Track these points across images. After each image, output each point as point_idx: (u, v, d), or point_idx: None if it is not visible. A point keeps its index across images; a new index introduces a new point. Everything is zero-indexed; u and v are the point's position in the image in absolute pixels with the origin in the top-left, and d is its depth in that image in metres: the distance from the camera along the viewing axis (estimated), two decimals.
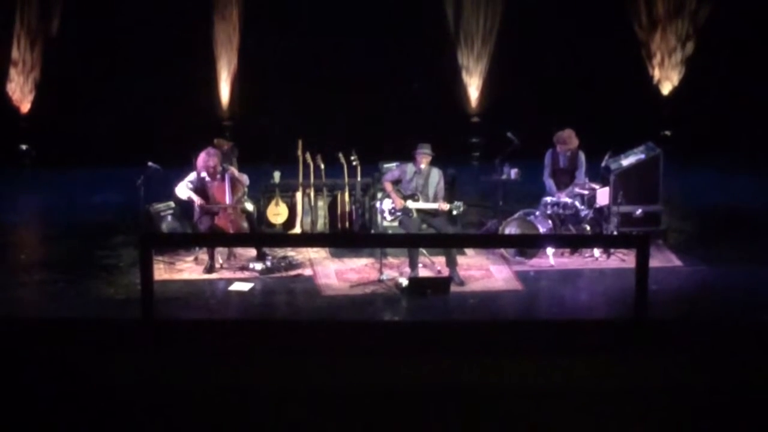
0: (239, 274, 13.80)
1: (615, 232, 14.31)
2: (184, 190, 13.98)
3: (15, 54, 18.17)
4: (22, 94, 18.32)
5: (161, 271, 13.66)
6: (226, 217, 13.89)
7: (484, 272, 13.95)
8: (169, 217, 14.77)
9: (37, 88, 18.30)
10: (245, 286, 13.46)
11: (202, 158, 13.99)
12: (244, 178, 14.20)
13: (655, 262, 13.18)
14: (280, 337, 9.53)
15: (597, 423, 7.68)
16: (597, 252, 14.30)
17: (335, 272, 13.96)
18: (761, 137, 18.51)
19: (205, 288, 13.52)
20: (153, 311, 9.82)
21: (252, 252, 14.15)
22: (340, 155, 15.05)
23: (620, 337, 9.50)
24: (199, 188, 13.97)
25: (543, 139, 14.93)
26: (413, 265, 13.63)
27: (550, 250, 14.08)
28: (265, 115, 18.56)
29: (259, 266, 13.84)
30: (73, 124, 18.18)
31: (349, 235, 14.74)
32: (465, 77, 18.90)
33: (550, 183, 14.68)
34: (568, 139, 14.61)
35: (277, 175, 15.14)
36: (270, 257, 14.05)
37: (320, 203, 15.16)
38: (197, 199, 13.89)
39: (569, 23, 18.77)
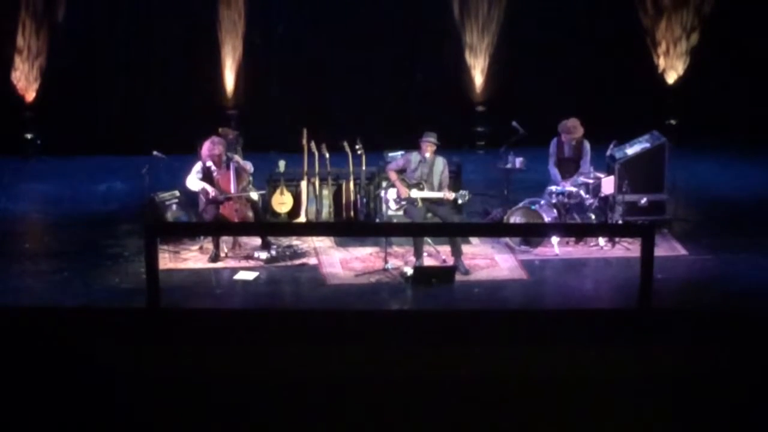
0: (244, 263, 13.81)
1: (620, 221, 14.30)
2: (195, 182, 13.96)
3: (20, 41, 18.12)
4: (27, 82, 18.29)
5: (166, 260, 13.67)
6: (231, 206, 13.89)
7: (489, 261, 13.96)
8: (174, 206, 14.77)
9: (43, 76, 18.27)
10: (250, 275, 13.48)
11: (206, 147, 13.99)
12: (249, 166, 14.20)
13: (660, 251, 13.19)
14: (284, 326, 9.53)
15: (601, 412, 7.69)
16: (602, 241, 14.30)
17: (340, 261, 13.97)
18: (766, 127, 18.47)
19: (210, 277, 13.54)
20: (158, 300, 9.82)
21: (257, 241, 14.16)
22: (345, 144, 15.05)
23: (625, 327, 9.49)
24: (206, 177, 13.97)
25: (548, 128, 14.93)
26: (418, 254, 13.64)
27: (555, 239, 14.08)
28: (269, 103, 18.54)
29: (264, 255, 13.85)
30: (79, 112, 18.17)
31: (354, 224, 14.74)
32: (469, 58, 18.85)
33: (554, 172, 14.67)
34: (573, 128, 14.60)
35: (282, 164, 15.14)
36: (275, 246, 14.06)
37: (325, 192, 15.16)
38: (212, 190, 13.87)
39: (573, 11, 18.74)
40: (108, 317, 9.83)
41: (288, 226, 14.89)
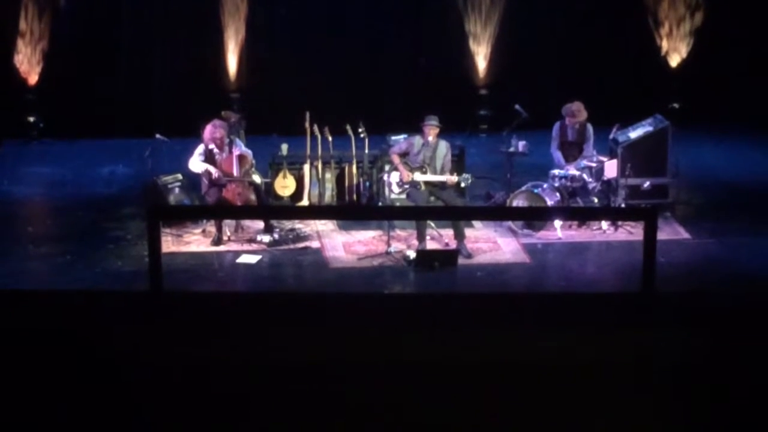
0: (247, 247, 13.82)
1: (623, 205, 14.30)
2: (197, 164, 13.95)
3: (22, 25, 18.09)
4: (29, 65, 18.27)
5: (169, 244, 13.67)
6: (234, 190, 13.88)
7: (492, 245, 13.96)
8: (177, 189, 14.76)
9: (45, 59, 18.25)
10: (253, 259, 13.49)
11: (208, 130, 13.97)
12: (249, 155, 14.16)
13: (662, 234, 13.20)
14: (287, 309, 9.53)
15: (603, 396, 7.69)
16: (605, 225, 14.29)
17: (343, 245, 13.97)
18: None
19: (213, 260, 13.55)
20: (161, 283, 9.82)
21: (260, 224, 14.16)
22: (348, 127, 15.03)
23: (627, 310, 9.49)
24: (208, 160, 13.96)
25: (551, 112, 14.91)
26: (421, 238, 13.64)
27: (557, 223, 14.07)
28: (272, 86, 18.52)
29: (266, 238, 13.86)
30: (81, 95, 18.16)
31: (357, 208, 14.74)
32: (472, 45, 18.82)
33: (558, 155, 14.66)
34: (578, 111, 14.58)
35: (284, 147, 15.13)
36: (278, 229, 14.06)
37: (328, 175, 15.15)
38: (215, 172, 13.85)
39: None
40: (110, 300, 9.84)
41: (291, 209, 14.88)
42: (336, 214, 14.42)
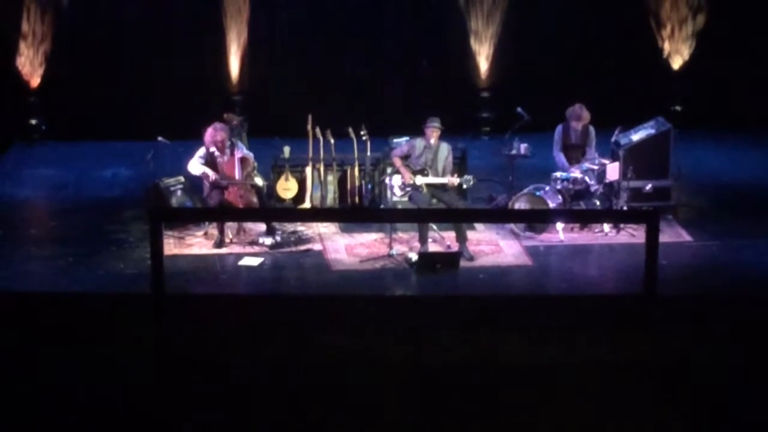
0: (249, 249, 13.81)
1: (625, 208, 14.29)
2: (196, 166, 13.96)
3: (25, 26, 18.09)
4: (32, 67, 18.26)
5: (171, 246, 13.66)
6: (236, 192, 13.89)
7: (494, 247, 13.95)
8: (179, 192, 14.76)
9: (47, 61, 18.25)
10: (255, 261, 13.48)
11: (209, 133, 13.98)
12: (250, 157, 14.17)
13: (664, 237, 13.16)
14: (289, 311, 9.55)
15: (604, 398, 7.70)
16: (607, 227, 14.29)
17: (345, 247, 13.97)
18: None
19: (215, 263, 13.54)
20: (163, 286, 9.84)
21: (262, 227, 14.16)
22: (350, 130, 15.03)
23: (629, 313, 9.50)
24: (210, 163, 13.97)
25: (553, 114, 14.91)
26: (423, 240, 13.64)
27: (559, 225, 14.07)
28: (274, 89, 18.52)
29: (268, 241, 13.85)
30: (83, 98, 18.16)
31: (359, 210, 14.74)
32: (474, 45, 18.81)
33: (560, 158, 14.66)
34: (581, 114, 14.58)
35: (287, 150, 15.12)
36: (280, 232, 14.06)
37: (330, 178, 15.14)
38: (212, 174, 13.85)
39: None
40: (112, 303, 9.86)
41: (293, 212, 14.87)
42: (338, 217, 14.41)
